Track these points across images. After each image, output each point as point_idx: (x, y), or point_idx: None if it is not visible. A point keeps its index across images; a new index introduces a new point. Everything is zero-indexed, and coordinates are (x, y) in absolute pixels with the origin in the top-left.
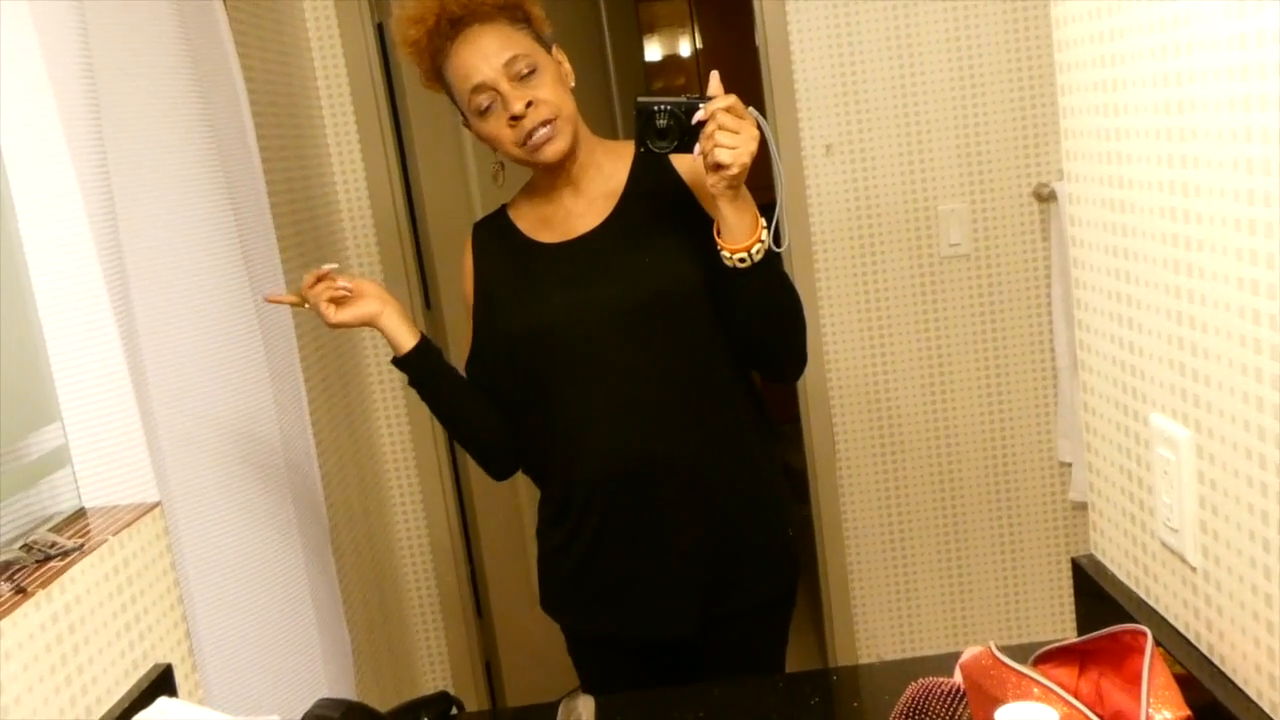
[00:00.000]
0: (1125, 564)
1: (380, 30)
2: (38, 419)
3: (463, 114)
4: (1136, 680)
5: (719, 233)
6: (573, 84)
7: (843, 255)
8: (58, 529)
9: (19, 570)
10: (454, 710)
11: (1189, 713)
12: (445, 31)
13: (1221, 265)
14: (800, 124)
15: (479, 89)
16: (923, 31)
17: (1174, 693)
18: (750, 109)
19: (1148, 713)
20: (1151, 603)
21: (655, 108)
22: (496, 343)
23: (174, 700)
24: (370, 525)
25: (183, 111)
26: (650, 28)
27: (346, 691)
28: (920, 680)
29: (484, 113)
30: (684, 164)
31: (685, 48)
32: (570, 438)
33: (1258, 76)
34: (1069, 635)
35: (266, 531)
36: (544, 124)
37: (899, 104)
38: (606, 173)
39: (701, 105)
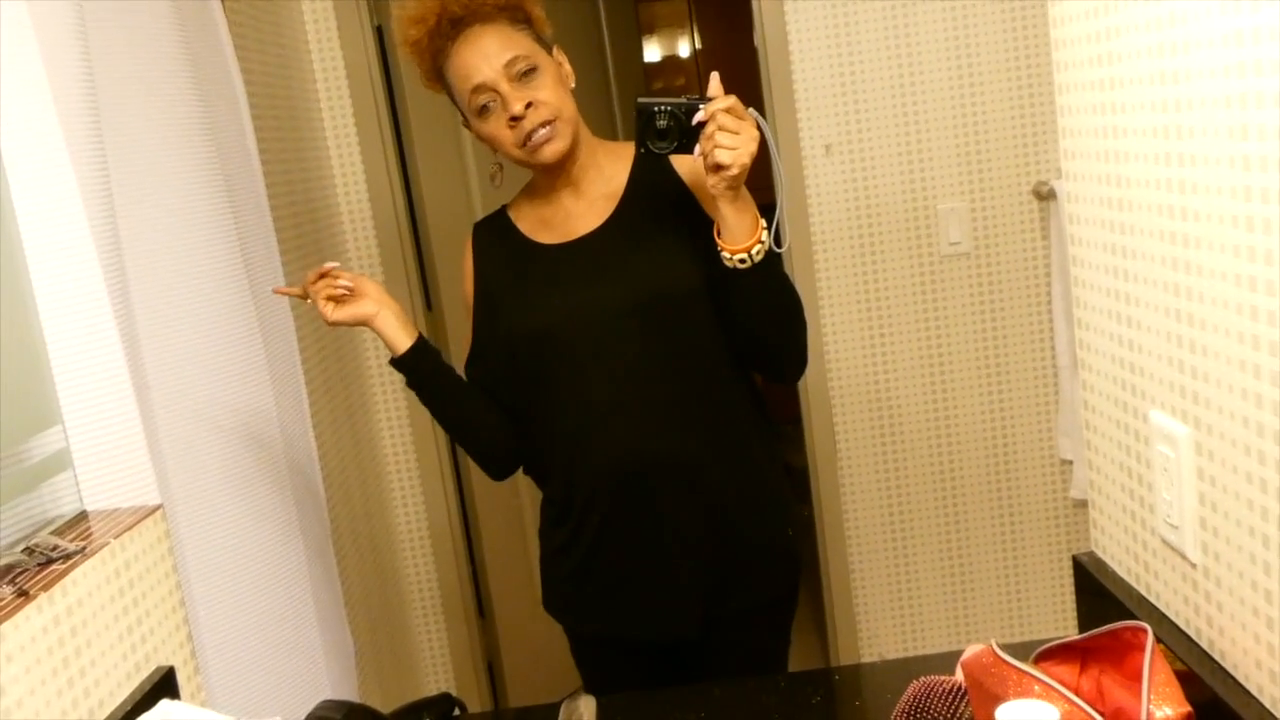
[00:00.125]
0: (1126, 561)
1: (380, 32)
2: (39, 422)
3: (463, 114)
4: (1137, 677)
5: (719, 233)
6: (573, 85)
7: (843, 255)
8: (59, 532)
9: (21, 573)
10: (456, 711)
11: (1190, 709)
12: (446, 31)
13: (1220, 262)
14: (800, 124)
15: (479, 89)
16: (922, 31)
17: (1175, 689)
18: (750, 109)
19: (1149, 709)
20: (1152, 599)
21: (655, 108)
22: (497, 344)
23: (176, 703)
24: (372, 526)
25: (182, 114)
26: (649, 28)
27: (349, 693)
28: (921, 679)
29: (484, 113)
30: (684, 165)
31: (684, 48)
32: (571, 439)
33: (1254, 74)
34: (1070, 633)
35: (268, 533)
36: (544, 125)
37: (898, 103)
38: (607, 174)
39: (701, 106)
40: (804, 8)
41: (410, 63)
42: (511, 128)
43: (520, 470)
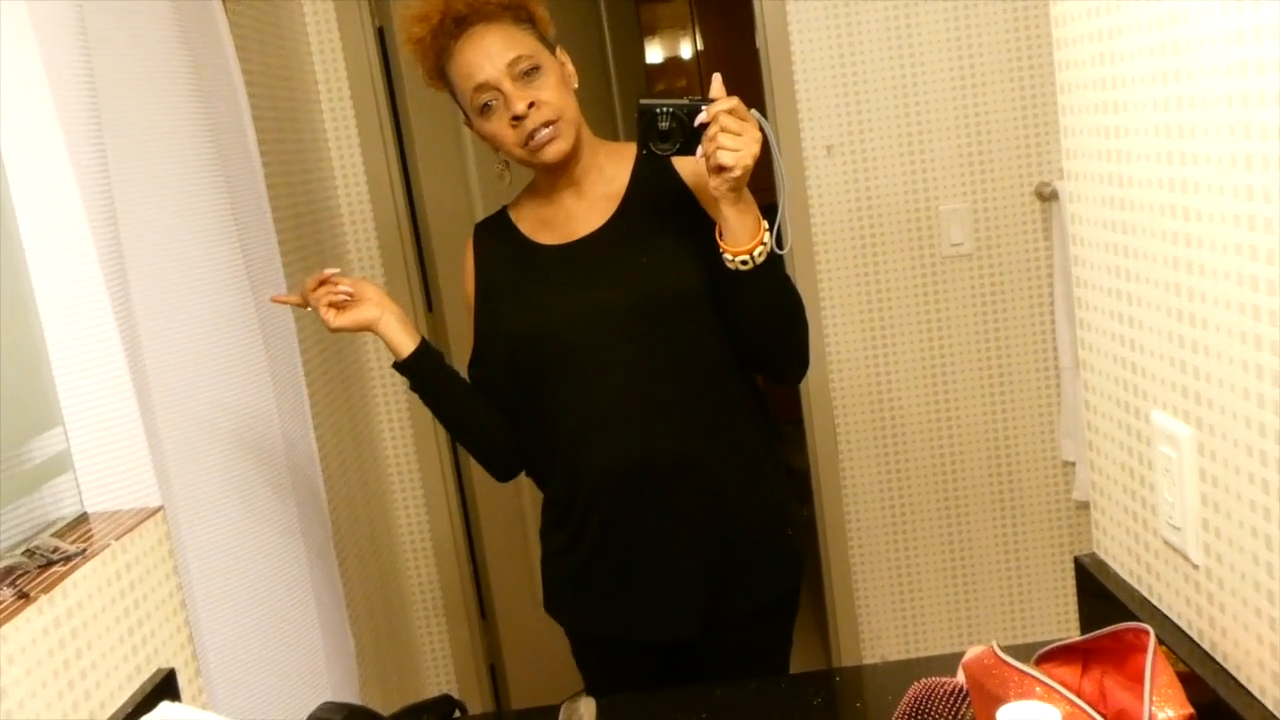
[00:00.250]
0: (1128, 562)
1: (381, 33)
2: (40, 424)
3: (465, 113)
4: (1139, 678)
5: (721, 235)
6: (575, 85)
7: (844, 256)
8: (60, 534)
9: (21, 575)
10: (456, 713)
11: (1192, 711)
12: (449, 30)
13: (1222, 262)
14: (801, 125)
15: (482, 88)
16: (923, 31)
17: (1177, 691)
18: (753, 111)
19: (1150, 711)
20: (1154, 601)
21: (657, 110)
22: (498, 344)
23: (177, 705)
24: (373, 527)
25: (183, 115)
26: (651, 29)
27: (350, 695)
28: (923, 680)
29: (486, 112)
30: (686, 166)
31: (686, 50)
32: (572, 440)
33: (1256, 72)
34: (1073, 634)
35: (270, 534)
36: (546, 125)
37: (900, 104)
38: (608, 174)
39: (704, 107)
40: (805, 8)
41: (413, 61)
42: (514, 127)
43: (525, 472)
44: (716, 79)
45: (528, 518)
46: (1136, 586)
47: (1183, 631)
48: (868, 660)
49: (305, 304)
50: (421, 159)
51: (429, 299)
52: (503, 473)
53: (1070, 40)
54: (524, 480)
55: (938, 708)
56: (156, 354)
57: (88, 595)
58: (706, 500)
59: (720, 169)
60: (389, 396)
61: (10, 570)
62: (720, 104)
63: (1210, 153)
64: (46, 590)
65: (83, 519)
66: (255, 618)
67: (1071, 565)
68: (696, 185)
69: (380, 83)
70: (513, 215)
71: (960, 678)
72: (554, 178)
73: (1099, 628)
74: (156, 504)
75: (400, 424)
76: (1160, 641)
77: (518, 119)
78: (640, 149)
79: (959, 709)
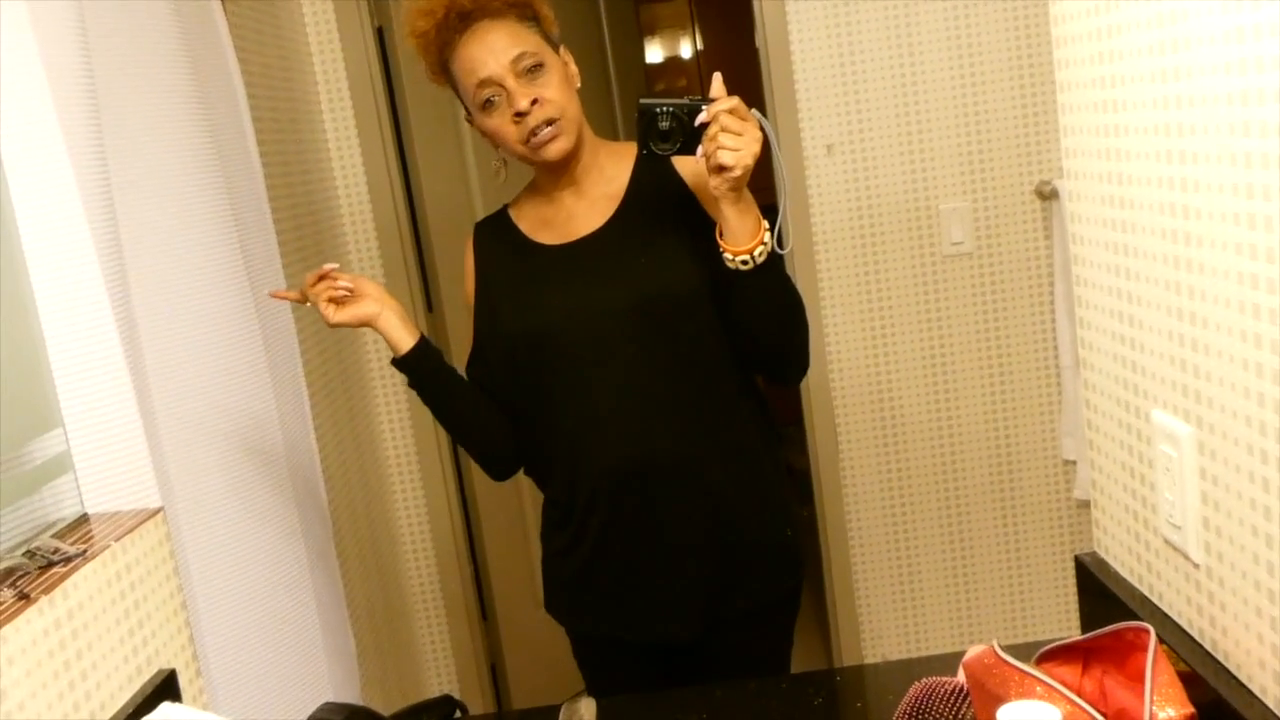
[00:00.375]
0: (1128, 561)
1: (380, 33)
2: (40, 425)
3: (466, 109)
4: (1140, 678)
5: (721, 235)
6: (578, 85)
7: (844, 255)
8: (60, 535)
9: (22, 576)
10: (457, 713)
11: (1192, 710)
12: (454, 25)
13: (1222, 260)
14: (801, 124)
15: (485, 83)
16: (923, 30)
17: (1177, 690)
18: (753, 110)
19: (1151, 710)
20: (1155, 600)
21: (657, 109)
22: (498, 344)
23: (177, 705)
24: (374, 528)
25: (183, 115)
26: (651, 29)
27: (351, 695)
28: (923, 680)
29: (488, 107)
30: (686, 166)
31: (686, 49)
32: (572, 440)
33: (1255, 71)
34: (1074, 634)
35: (270, 535)
36: (548, 123)
37: (900, 103)
38: (608, 174)
39: (704, 107)
40: (805, 8)
41: (415, 57)
42: (516, 123)
43: (525, 472)
44: (717, 78)
45: (528, 518)
46: (1137, 585)
47: (1183, 630)
48: (869, 660)
49: (304, 300)
50: (421, 159)
51: (429, 299)
52: (500, 472)
53: (1069, 39)
54: (524, 480)
55: (938, 707)
56: (156, 355)
57: (88, 596)
58: (707, 501)
59: (721, 169)
60: (389, 396)
61: (11, 571)
62: (721, 103)
63: (1210, 151)
64: (47, 591)
65: (83, 520)
66: (256, 618)
67: (1072, 564)
68: (697, 185)
69: (380, 83)
70: (513, 214)
71: (961, 677)
72: (554, 177)
73: (1100, 627)
74: (157, 505)
75: (401, 424)
76: (1161, 640)
77: (520, 115)
78: (640, 149)
79: (959, 709)
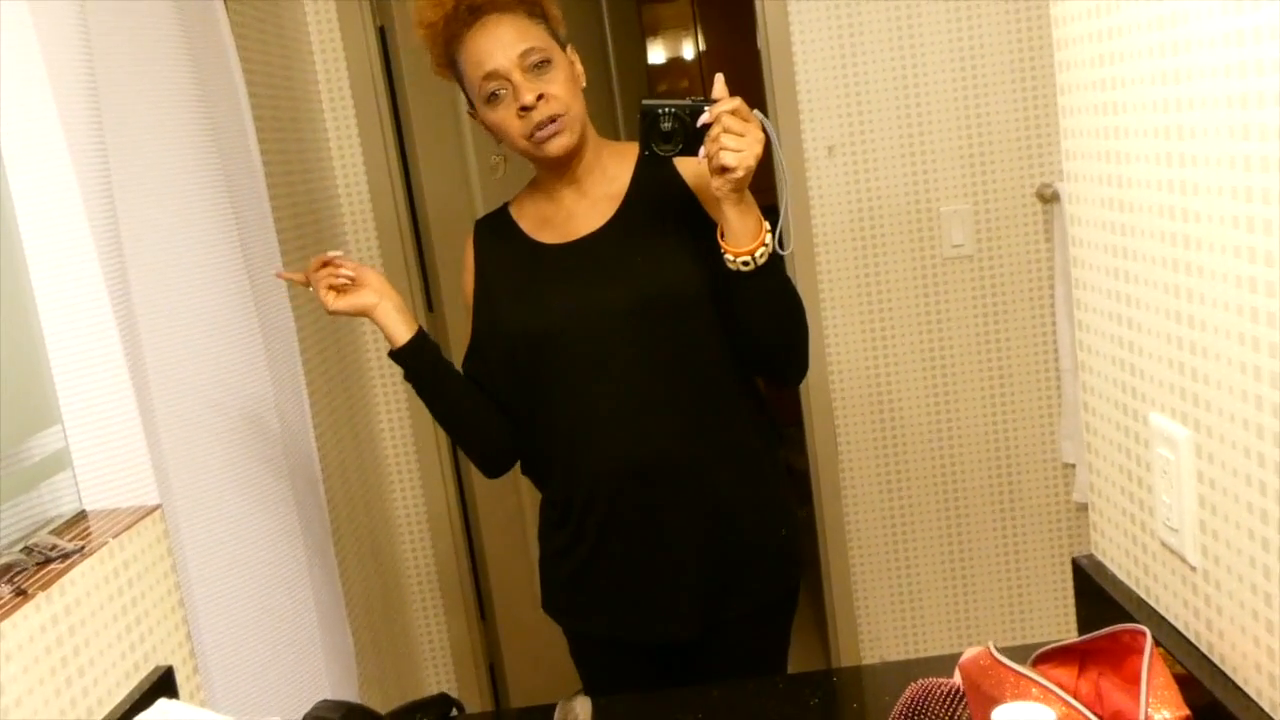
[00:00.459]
0: (1125, 564)
1: (382, 32)
2: (39, 422)
3: (470, 102)
4: (1136, 680)
5: (723, 235)
6: (584, 85)
7: (845, 256)
8: (58, 531)
9: (19, 573)
10: (454, 712)
11: (1188, 712)
12: (463, 18)
13: (1220, 263)
14: (802, 125)
15: (491, 76)
16: (925, 32)
17: (1173, 692)
18: (755, 111)
19: (1147, 712)
20: (1152, 602)
21: (660, 110)
22: (497, 343)
23: (174, 702)
24: (373, 525)
25: (184, 113)
26: (653, 30)
27: (349, 694)
28: (920, 681)
29: (493, 101)
30: (687, 167)
31: (689, 50)
32: (571, 440)
33: (1255, 73)
34: (1072, 636)
35: (269, 533)
36: (552, 119)
37: (901, 105)
38: (610, 174)
39: (706, 108)
40: (807, 9)
41: (422, 48)
42: (520, 118)
43: (521, 471)
44: (719, 79)
45: (527, 516)
46: (1134, 588)
47: (1180, 633)
48: (867, 661)
49: (307, 283)
50: (422, 159)
51: (429, 299)
52: (494, 469)
53: (1070, 41)
54: (523, 479)
55: (934, 709)
56: (156, 352)
57: (85, 592)
58: (706, 501)
59: (723, 169)
60: (389, 395)
61: (8, 567)
62: (723, 104)
63: (1209, 154)
64: (44, 587)
65: (81, 516)
66: (254, 616)
67: (1070, 567)
68: (698, 186)
69: (381, 82)
70: (513, 212)
71: (957, 679)
72: (556, 175)
73: (1097, 629)
74: (155, 502)
75: (400, 422)
76: (1157, 643)
77: (525, 109)
78: (642, 150)
79: (956, 710)
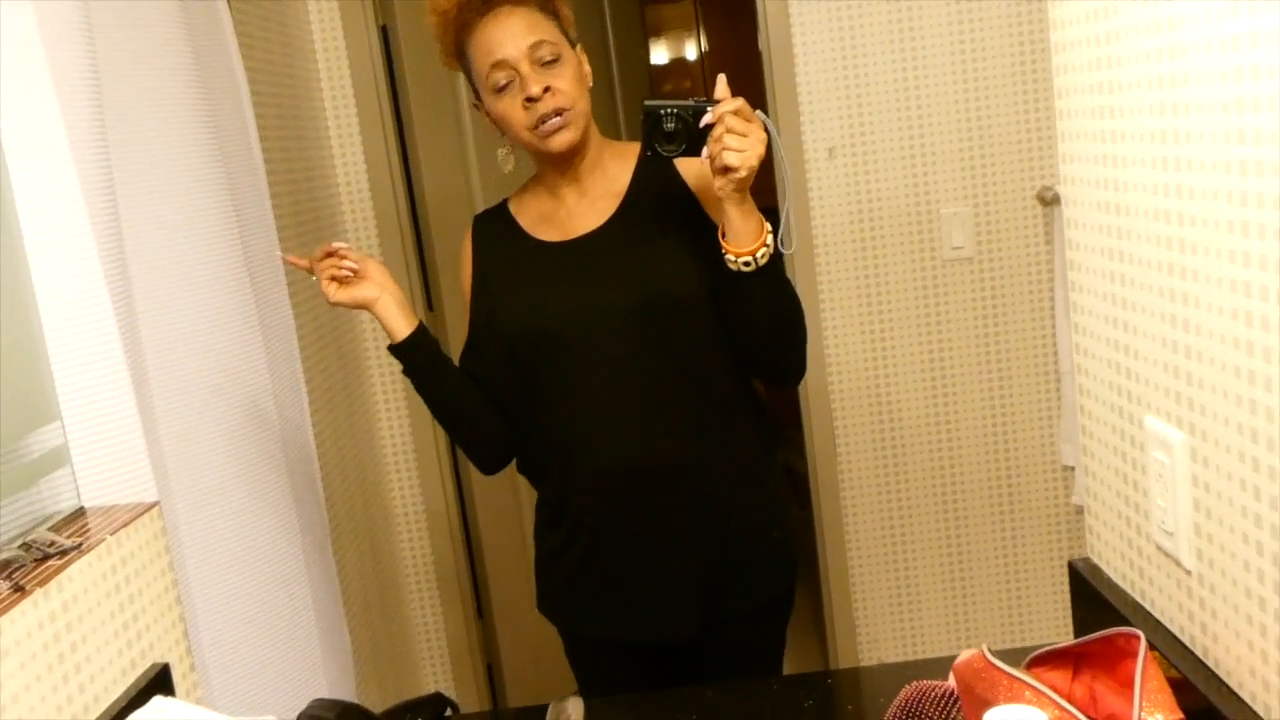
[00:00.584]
0: (1121, 567)
1: (384, 31)
2: (38, 418)
3: (476, 93)
4: (1130, 684)
5: (724, 236)
6: (590, 85)
7: (845, 258)
8: (56, 528)
9: (17, 569)
10: (448, 711)
11: (1182, 716)
12: (477, 6)
13: (1216, 268)
14: (803, 127)
15: (500, 65)
16: (926, 34)
17: (1167, 696)
18: (758, 112)
19: (1140, 716)
20: (1147, 606)
21: (663, 111)
22: (494, 339)
23: (169, 699)
24: (371, 524)
25: (186, 111)
26: (656, 31)
27: (346, 693)
28: (915, 683)
29: (500, 91)
30: (688, 168)
31: (691, 51)
32: (566, 439)
33: (1251, 78)
34: (1068, 639)
35: (267, 531)
36: (557, 113)
37: (902, 107)
38: (611, 174)
39: (709, 108)
40: (809, 11)
41: (433, 35)
42: (525, 109)
43: (517, 469)
44: (721, 80)
45: (525, 515)
46: (1129, 591)
47: (1175, 637)
48: (865, 662)
49: (310, 269)
50: (424, 158)
51: (429, 298)
52: (489, 466)
53: (1068, 44)
54: (521, 479)
55: (929, 711)
56: (156, 349)
57: (83, 589)
58: (701, 502)
59: (726, 169)
60: (388, 393)
61: (6, 563)
62: (726, 104)
63: (1206, 159)
64: (42, 584)
65: (79, 513)
66: (252, 614)
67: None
68: (699, 187)
69: (383, 82)
70: (512, 208)
71: (951, 681)
72: (558, 172)
73: (1092, 632)
74: (153, 499)
75: (399, 420)
76: (1152, 647)
77: (531, 100)
78: (645, 150)
79: (950, 713)
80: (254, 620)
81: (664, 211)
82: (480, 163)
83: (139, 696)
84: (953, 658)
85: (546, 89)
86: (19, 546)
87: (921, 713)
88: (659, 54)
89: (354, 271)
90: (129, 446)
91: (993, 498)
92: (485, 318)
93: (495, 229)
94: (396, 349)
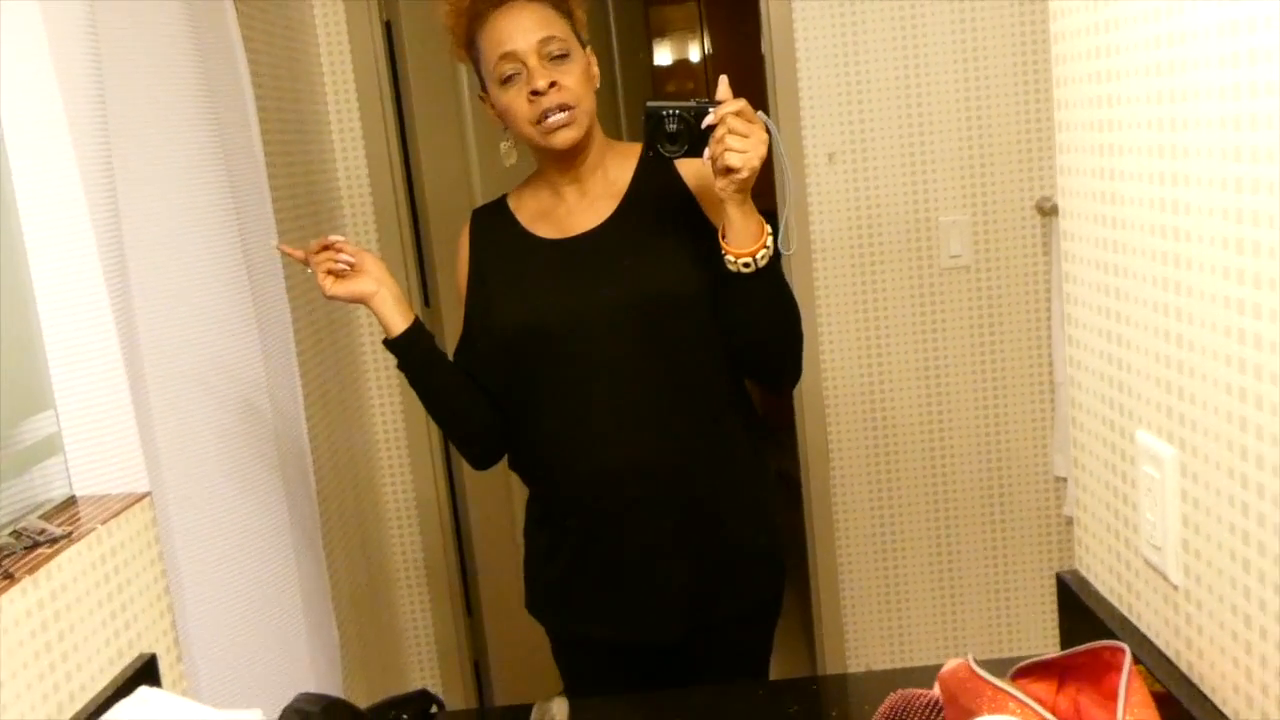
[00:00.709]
0: (1109, 580)
1: (388, 28)
2: (32, 406)
3: (482, 85)
4: (1114, 697)
5: (724, 237)
6: (597, 86)
7: (842, 264)
8: (47, 516)
9: (6, 556)
10: (434, 708)
11: None
12: None
13: (1211, 284)
14: (803, 132)
15: (508, 56)
16: (928, 41)
17: (1151, 710)
18: (759, 113)
19: None
20: (1134, 620)
21: (665, 112)
22: (490, 336)
23: (154, 690)
24: (362, 517)
25: (188, 108)
26: (660, 32)
27: (333, 687)
28: (899, 691)
29: (506, 82)
30: (689, 169)
31: (695, 53)
32: (559, 438)
33: (1249, 96)
34: (1056, 651)
35: (258, 525)
36: (562, 109)
37: (903, 113)
38: (611, 174)
39: (711, 109)
40: (811, 14)
41: (445, 25)
42: (530, 102)
43: (508, 466)
44: (723, 81)
45: (516, 514)
46: (1116, 605)
47: (1160, 651)
48: (853, 669)
49: (306, 262)
50: (424, 155)
51: (426, 295)
52: (481, 462)
53: (1067, 56)
54: (513, 478)
55: (914, 719)
56: (152, 341)
57: (72, 578)
58: (691, 504)
59: (728, 170)
60: (382, 390)
61: None
62: (728, 106)
63: (1203, 175)
64: (31, 571)
65: (71, 502)
66: (240, 607)
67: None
68: (699, 189)
69: (386, 79)
70: (511, 204)
71: (937, 690)
72: (559, 170)
73: (1079, 644)
74: (144, 489)
75: (393, 417)
76: (1137, 660)
77: (536, 94)
78: (647, 150)
79: None
80: (242, 613)
81: (663, 212)
82: (481, 161)
83: (125, 686)
84: (939, 666)
85: (552, 84)
86: (9, 533)
87: None
88: (663, 55)
89: (351, 265)
90: (122, 437)
91: (984, 506)
92: (480, 312)
93: (493, 224)
94: (392, 344)
